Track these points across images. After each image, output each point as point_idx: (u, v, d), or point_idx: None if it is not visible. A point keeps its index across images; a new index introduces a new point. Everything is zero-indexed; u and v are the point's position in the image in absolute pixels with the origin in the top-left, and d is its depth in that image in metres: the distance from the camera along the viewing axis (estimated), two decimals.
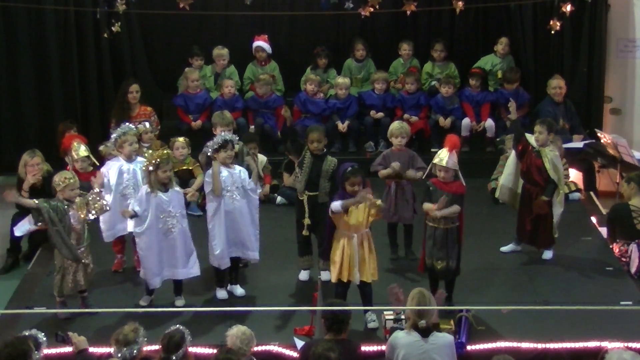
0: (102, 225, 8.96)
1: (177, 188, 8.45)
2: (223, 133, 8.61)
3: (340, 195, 7.94)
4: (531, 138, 9.22)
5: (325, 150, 8.88)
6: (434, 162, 8.31)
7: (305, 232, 8.83)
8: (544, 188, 9.09)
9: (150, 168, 8.21)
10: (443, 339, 6.81)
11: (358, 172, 7.92)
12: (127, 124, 9.40)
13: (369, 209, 7.90)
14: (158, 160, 8.17)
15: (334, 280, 8.07)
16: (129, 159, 8.97)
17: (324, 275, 8.77)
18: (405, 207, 9.20)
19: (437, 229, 8.27)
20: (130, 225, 8.71)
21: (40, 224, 8.14)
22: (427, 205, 8.29)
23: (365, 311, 8.09)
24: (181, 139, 10.53)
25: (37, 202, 8.12)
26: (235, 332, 6.81)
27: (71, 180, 8.19)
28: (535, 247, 9.43)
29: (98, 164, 9.59)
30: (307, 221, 8.76)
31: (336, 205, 7.85)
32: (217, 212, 8.45)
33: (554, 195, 9.13)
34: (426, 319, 6.74)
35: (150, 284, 8.44)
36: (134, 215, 8.28)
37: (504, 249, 9.55)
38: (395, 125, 9.38)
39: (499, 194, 9.62)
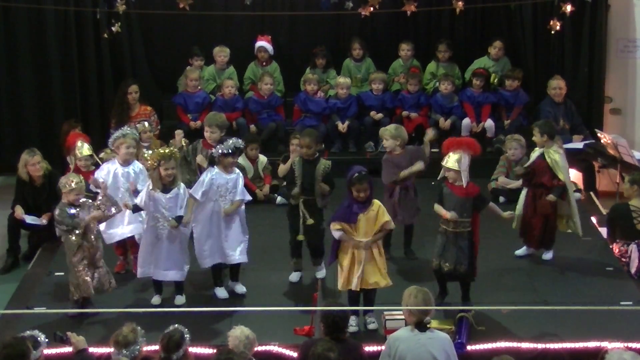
0: (100, 227, 8.96)
1: (182, 189, 8.40)
2: (234, 139, 8.61)
3: (349, 199, 7.95)
4: (538, 149, 9.29)
5: (317, 154, 8.86)
6: (442, 163, 8.32)
7: (300, 237, 8.81)
8: (549, 188, 9.10)
9: (154, 165, 8.25)
10: (440, 334, 6.84)
11: (364, 178, 7.86)
12: (128, 126, 9.40)
13: (377, 221, 7.91)
14: (160, 157, 8.20)
15: (340, 288, 8.05)
16: (124, 162, 8.95)
17: (319, 274, 8.81)
18: (408, 208, 9.19)
19: (447, 231, 8.25)
20: (127, 229, 8.81)
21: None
22: (437, 208, 8.28)
23: (366, 312, 8.08)
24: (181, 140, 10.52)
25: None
26: (239, 335, 6.78)
27: (79, 185, 8.19)
28: (531, 246, 9.41)
29: (101, 163, 9.61)
30: (310, 221, 8.72)
31: (337, 234, 7.93)
32: (203, 213, 8.49)
33: (565, 196, 9.14)
34: (430, 315, 6.77)
35: (138, 272, 8.51)
36: (135, 209, 8.31)
37: (518, 252, 9.49)
38: (380, 130, 9.43)
39: (517, 224, 9.52)
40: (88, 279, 8.17)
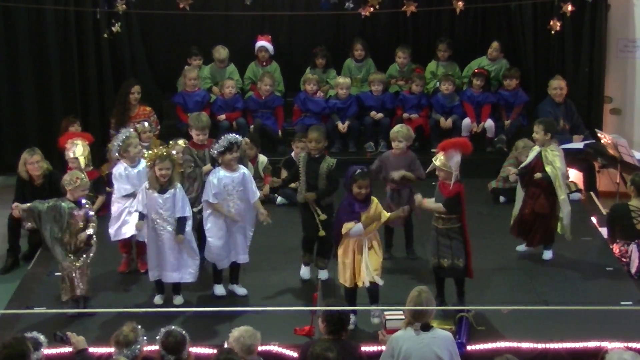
0: (109, 225, 8.99)
1: (178, 190, 8.39)
2: (228, 135, 8.60)
3: (348, 199, 7.96)
4: (536, 148, 9.29)
5: (323, 151, 8.88)
6: (432, 159, 8.36)
7: (322, 233, 8.74)
8: (547, 188, 9.12)
9: (150, 164, 8.29)
10: (443, 333, 6.84)
11: (366, 175, 7.94)
12: (126, 128, 9.39)
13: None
14: (155, 157, 8.22)
15: (348, 285, 8.05)
16: (133, 162, 8.95)
17: (322, 274, 8.81)
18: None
19: (438, 229, 8.28)
20: (131, 229, 8.78)
21: (29, 224, 8.24)
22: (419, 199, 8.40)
23: (370, 304, 8.09)
24: (181, 141, 10.45)
25: (29, 205, 8.21)
26: (237, 335, 6.75)
27: (83, 181, 8.23)
28: (529, 245, 9.42)
29: (91, 166, 9.63)
30: (322, 217, 8.71)
31: (358, 229, 7.89)
32: (214, 214, 8.50)
33: (558, 195, 9.14)
34: (422, 320, 6.73)
35: (149, 275, 8.51)
36: (141, 216, 8.29)
37: (519, 248, 9.50)
38: (393, 129, 9.39)
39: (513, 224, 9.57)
40: (64, 285, 8.24)
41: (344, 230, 7.95)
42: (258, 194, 8.70)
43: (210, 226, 8.50)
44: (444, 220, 8.23)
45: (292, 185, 9.84)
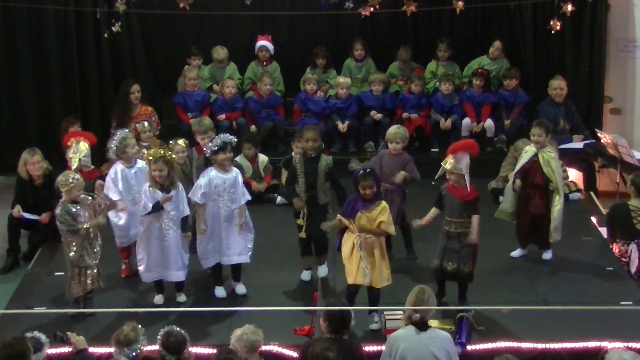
0: (116, 231, 8.93)
1: (180, 189, 8.40)
2: (222, 135, 8.60)
3: (355, 198, 7.98)
4: (529, 149, 9.25)
5: (322, 150, 8.87)
6: (442, 163, 8.33)
7: (302, 235, 8.82)
8: (544, 188, 9.10)
9: (148, 163, 8.32)
10: (441, 333, 6.85)
11: (369, 175, 7.93)
12: (123, 129, 9.40)
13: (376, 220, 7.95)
14: (149, 157, 8.25)
15: (349, 282, 8.06)
16: (130, 163, 8.94)
17: (322, 270, 8.83)
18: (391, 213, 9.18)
19: (449, 232, 8.27)
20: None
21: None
22: (432, 211, 8.37)
23: (370, 312, 8.09)
24: (181, 141, 10.46)
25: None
26: (241, 333, 6.77)
27: (78, 181, 8.23)
28: (542, 247, 9.41)
29: (91, 166, 9.63)
30: (301, 222, 8.76)
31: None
32: (199, 213, 8.51)
33: (552, 197, 9.12)
34: (422, 313, 6.75)
35: (142, 277, 8.51)
36: (151, 212, 8.25)
37: (513, 253, 9.50)
38: (390, 130, 9.35)
39: (499, 214, 9.53)
40: (75, 282, 8.20)
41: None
42: (246, 198, 8.61)
43: (196, 225, 8.52)
44: (457, 224, 8.22)
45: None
